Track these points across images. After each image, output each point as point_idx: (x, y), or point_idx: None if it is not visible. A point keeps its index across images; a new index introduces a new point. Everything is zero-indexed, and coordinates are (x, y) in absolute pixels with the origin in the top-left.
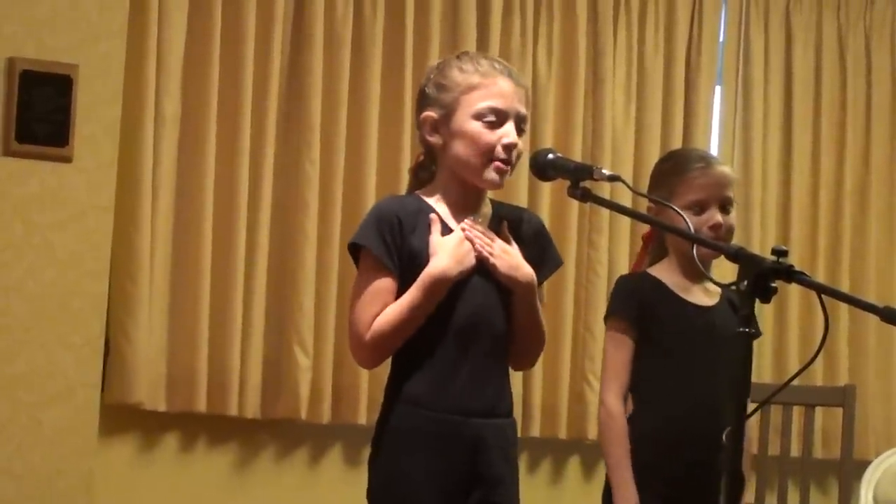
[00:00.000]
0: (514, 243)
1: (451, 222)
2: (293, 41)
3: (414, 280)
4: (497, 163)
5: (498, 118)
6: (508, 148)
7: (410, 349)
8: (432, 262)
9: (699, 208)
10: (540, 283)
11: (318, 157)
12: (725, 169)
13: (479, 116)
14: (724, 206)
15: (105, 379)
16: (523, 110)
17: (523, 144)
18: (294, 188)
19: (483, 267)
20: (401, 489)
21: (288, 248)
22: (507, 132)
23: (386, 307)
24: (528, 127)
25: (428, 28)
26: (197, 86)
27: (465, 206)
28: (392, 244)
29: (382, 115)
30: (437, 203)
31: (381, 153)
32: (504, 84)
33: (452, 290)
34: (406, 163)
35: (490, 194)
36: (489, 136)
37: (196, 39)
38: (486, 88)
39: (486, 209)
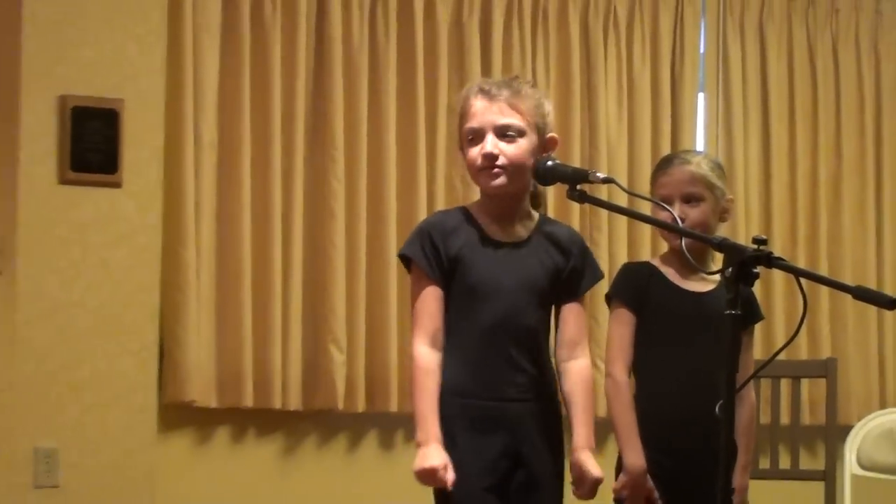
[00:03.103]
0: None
1: (490, 229)
2: (315, 70)
3: (457, 283)
4: (482, 171)
5: (476, 136)
6: (485, 157)
7: (451, 347)
8: (425, 456)
9: (668, 204)
10: (583, 293)
11: (343, 173)
12: (688, 167)
13: (466, 140)
14: (689, 200)
15: (161, 380)
16: (500, 120)
17: (516, 148)
18: (322, 202)
19: (510, 269)
20: (454, 471)
21: (319, 256)
22: (483, 144)
23: (436, 318)
24: (522, 128)
25: (436, 50)
26: (231, 114)
27: (500, 215)
28: (432, 255)
29: (399, 132)
30: (479, 213)
31: (399, 167)
32: (478, 104)
33: (479, 295)
34: (422, 175)
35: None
36: (472, 152)
37: (228, 72)
38: (466, 114)
39: (531, 221)
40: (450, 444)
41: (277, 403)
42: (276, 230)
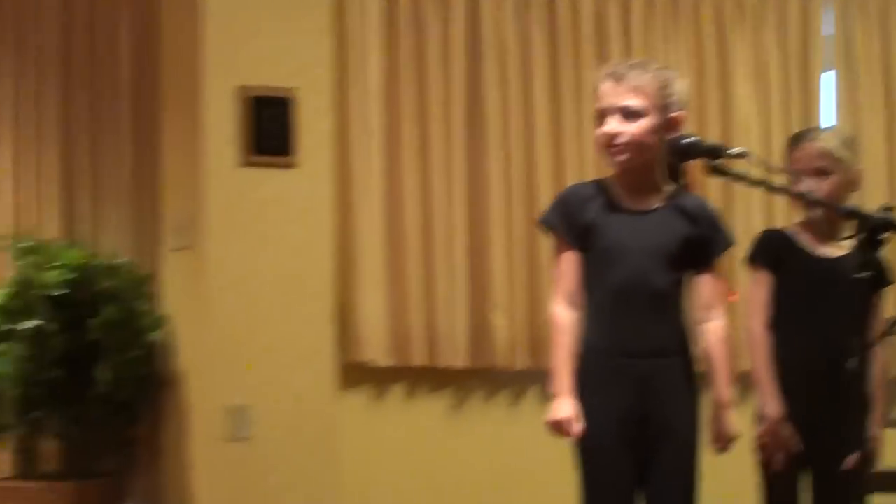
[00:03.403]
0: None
1: (621, 199)
2: (470, 60)
3: (591, 248)
4: (606, 149)
5: (601, 116)
6: (606, 136)
7: (588, 308)
8: (557, 408)
9: (800, 177)
10: (714, 259)
11: (499, 153)
12: (817, 143)
13: (596, 119)
14: (819, 174)
15: (339, 343)
16: (621, 102)
17: (636, 128)
18: (480, 180)
19: (638, 235)
20: (587, 421)
21: (479, 228)
22: (604, 125)
23: (572, 280)
24: (643, 109)
25: (580, 38)
26: (395, 101)
27: (631, 186)
28: (568, 222)
29: (548, 116)
30: (612, 184)
31: (548, 147)
32: (605, 86)
33: (610, 259)
34: (569, 155)
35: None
36: (598, 132)
37: (391, 63)
38: (597, 95)
39: (662, 192)
40: (582, 398)
41: (446, 362)
42: (439, 205)
